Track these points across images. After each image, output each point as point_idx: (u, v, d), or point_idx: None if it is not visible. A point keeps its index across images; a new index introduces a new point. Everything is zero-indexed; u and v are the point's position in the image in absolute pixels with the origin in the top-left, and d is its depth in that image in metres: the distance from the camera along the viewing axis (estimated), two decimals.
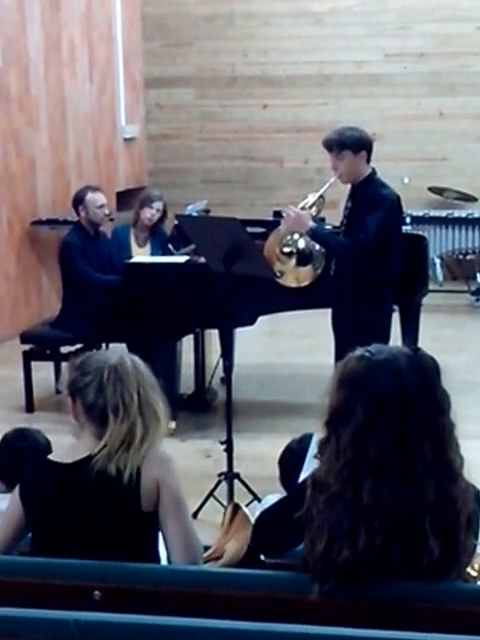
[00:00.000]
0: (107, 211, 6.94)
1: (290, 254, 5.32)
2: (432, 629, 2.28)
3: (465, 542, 2.46)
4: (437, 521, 2.41)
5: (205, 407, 6.71)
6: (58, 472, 2.86)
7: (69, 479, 2.83)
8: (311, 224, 5.25)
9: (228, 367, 5.07)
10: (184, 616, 2.33)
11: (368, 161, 5.36)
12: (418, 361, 2.48)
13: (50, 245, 8.93)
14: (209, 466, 5.55)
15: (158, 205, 7.01)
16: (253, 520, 3.07)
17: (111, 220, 7.58)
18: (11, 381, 7.06)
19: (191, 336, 6.71)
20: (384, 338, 5.13)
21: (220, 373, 6.60)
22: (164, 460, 2.85)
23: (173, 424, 6.08)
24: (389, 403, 2.42)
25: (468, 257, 10.16)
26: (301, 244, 5.30)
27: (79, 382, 2.89)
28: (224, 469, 4.99)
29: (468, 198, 10.38)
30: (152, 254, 7.01)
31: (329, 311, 5.62)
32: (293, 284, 5.34)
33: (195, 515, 4.85)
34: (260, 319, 6.28)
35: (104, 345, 6.60)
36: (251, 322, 6.22)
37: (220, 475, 5.02)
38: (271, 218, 7.06)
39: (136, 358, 2.96)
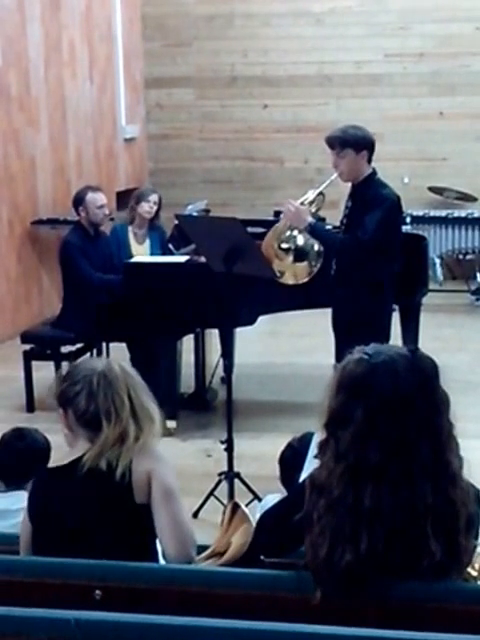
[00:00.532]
0: (107, 211, 6.95)
1: (288, 250, 5.32)
2: (432, 628, 2.28)
3: (465, 543, 2.47)
4: (438, 523, 2.41)
5: (205, 407, 6.71)
6: (55, 476, 2.91)
7: (63, 479, 2.87)
8: (310, 220, 5.25)
9: (228, 367, 5.08)
10: (185, 615, 2.33)
11: (369, 161, 5.37)
12: (417, 363, 2.48)
13: (50, 245, 8.94)
14: (209, 465, 5.55)
15: (154, 198, 7.04)
16: (252, 519, 3.08)
17: (111, 220, 7.59)
18: (11, 381, 7.07)
19: (191, 336, 6.72)
20: (384, 338, 5.13)
21: (220, 372, 6.61)
22: (155, 454, 2.89)
23: (174, 423, 6.09)
24: (388, 406, 2.42)
25: (468, 257, 10.16)
26: (299, 240, 5.30)
27: (69, 392, 2.93)
28: (224, 468, 5.00)
29: (468, 198, 10.38)
30: (151, 250, 7.04)
31: (329, 311, 5.62)
32: (290, 281, 5.34)
33: (196, 514, 4.86)
34: (260, 319, 6.28)
35: (104, 344, 6.61)
36: (251, 322, 6.22)
37: (220, 474, 5.02)
38: (271, 218, 7.07)
39: (123, 363, 3.02)
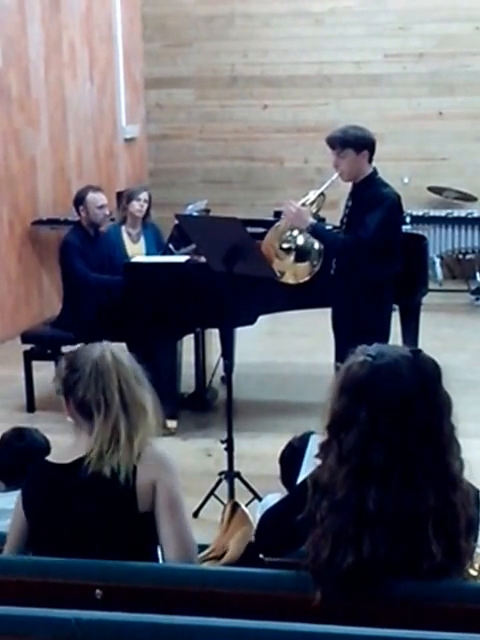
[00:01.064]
0: (108, 211, 6.95)
1: (288, 250, 5.33)
2: (432, 627, 2.28)
3: (466, 546, 2.47)
4: (438, 526, 2.41)
5: (206, 406, 6.72)
6: (56, 473, 2.85)
7: (65, 480, 2.82)
8: (311, 220, 5.26)
9: (228, 366, 5.08)
10: (185, 615, 2.33)
11: (370, 161, 5.38)
12: (419, 365, 2.47)
13: (51, 245, 8.94)
14: (210, 465, 5.56)
15: (144, 196, 7.09)
16: (252, 519, 3.08)
17: (112, 220, 7.60)
18: (12, 381, 7.07)
19: (191, 336, 6.72)
20: (384, 337, 5.14)
21: (220, 372, 6.61)
22: (160, 459, 2.83)
23: (174, 423, 6.10)
24: (392, 408, 2.42)
25: (468, 256, 10.17)
26: (300, 240, 5.31)
27: (69, 380, 2.89)
28: (225, 468, 5.00)
29: (468, 198, 10.38)
30: (147, 248, 7.07)
31: (329, 311, 5.63)
32: (291, 280, 5.34)
33: (196, 514, 4.87)
34: (260, 319, 6.28)
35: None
36: (251, 322, 6.23)
37: (221, 474, 5.03)
38: (271, 218, 7.07)
39: (120, 351, 2.92)
